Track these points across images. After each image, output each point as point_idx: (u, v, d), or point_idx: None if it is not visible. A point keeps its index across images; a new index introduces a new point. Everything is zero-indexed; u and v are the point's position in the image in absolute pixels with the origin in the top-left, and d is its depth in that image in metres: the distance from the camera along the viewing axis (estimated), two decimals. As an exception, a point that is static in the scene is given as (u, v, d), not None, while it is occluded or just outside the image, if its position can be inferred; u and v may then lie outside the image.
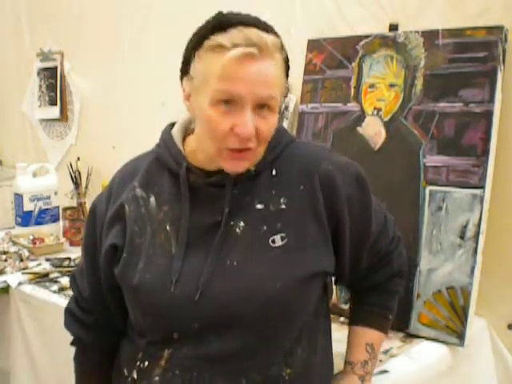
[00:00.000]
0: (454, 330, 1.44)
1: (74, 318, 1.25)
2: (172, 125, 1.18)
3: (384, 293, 1.24)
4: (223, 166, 1.05)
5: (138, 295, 1.10)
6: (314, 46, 1.81)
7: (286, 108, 1.94)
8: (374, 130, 1.64)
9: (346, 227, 1.13)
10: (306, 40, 1.83)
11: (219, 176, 1.08)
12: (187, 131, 1.16)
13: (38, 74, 2.97)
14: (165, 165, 1.13)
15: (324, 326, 1.18)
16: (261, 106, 1.02)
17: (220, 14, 1.04)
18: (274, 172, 1.11)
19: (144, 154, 1.20)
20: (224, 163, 1.04)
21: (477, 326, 1.54)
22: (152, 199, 1.13)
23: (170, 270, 1.07)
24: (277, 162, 1.12)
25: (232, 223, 1.08)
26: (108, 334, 1.23)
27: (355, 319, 1.26)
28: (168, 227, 1.10)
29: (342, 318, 1.60)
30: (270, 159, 1.11)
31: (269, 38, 1.03)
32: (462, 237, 1.46)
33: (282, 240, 1.07)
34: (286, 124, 1.94)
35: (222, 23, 1.01)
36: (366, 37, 1.69)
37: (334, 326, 1.56)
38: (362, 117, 1.67)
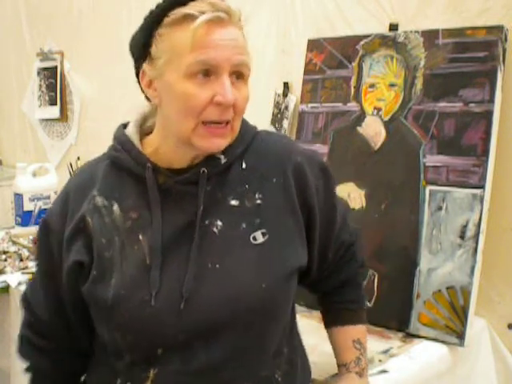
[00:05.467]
0: (454, 329, 1.44)
1: (31, 345, 1.13)
2: (124, 126, 1.10)
3: (354, 286, 1.22)
4: (199, 146, 0.98)
5: (113, 314, 1.00)
6: (314, 45, 1.81)
7: (286, 108, 1.94)
8: (374, 130, 1.64)
9: (317, 218, 1.11)
10: (306, 40, 1.83)
11: (191, 172, 1.02)
12: (143, 132, 1.08)
13: (38, 73, 2.97)
14: (125, 169, 1.04)
15: (296, 324, 1.17)
16: (235, 75, 0.98)
17: None
18: (243, 165, 1.06)
19: (95, 160, 1.11)
20: (201, 141, 0.98)
21: (477, 325, 1.54)
22: (115, 207, 1.03)
23: (147, 282, 0.99)
24: (246, 155, 1.07)
25: (207, 222, 1.02)
26: (70, 358, 1.13)
27: (334, 320, 1.23)
28: (141, 236, 1.01)
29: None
30: (239, 151, 1.06)
31: (231, 5, 0.98)
32: (462, 237, 1.46)
33: (263, 236, 1.03)
34: (285, 124, 1.94)
35: None
36: (366, 37, 1.69)
37: (333, 326, 1.56)
38: (362, 117, 1.67)
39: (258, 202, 1.05)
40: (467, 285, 1.44)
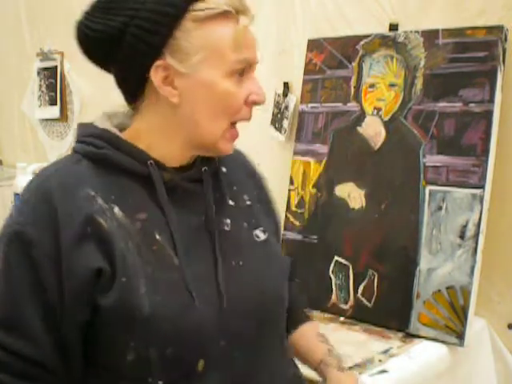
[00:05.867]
0: (454, 329, 1.44)
1: None
2: (86, 126, 1.00)
3: (297, 285, 1.22)
4: (223, 149, 0.96)
5: (152, 326, 0.87)
6: (314, 45, 1.81)
7: (286, 108, 1.94)
8: (374, 130, 1.64)
9: (278, 225, 1.13)
10: (306, 40, 1.83)
11: (194, 170, 0.99)
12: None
13: (38, 73, 2.97)
14: (118, 167, 0.94)
15: None
16: None
17: None
18: (223, 169, 1.05)
19: (66, 162, 0.96)
20: (224, 144, 0.96)
21: (477, 325, 1.54)
22: (116, 209, 0.92)
23: (184, 284, 0.91)
24: (222, 160, 1.05)
25: (217, 220, 0.99)
26: None
27: (291, 324, 1.16)
28: (158, 236, 0.93)
29: (341, 318, 1.60)
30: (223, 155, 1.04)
31: None
32: (461, 237, 1.46)
33: (264, 234, 1.03)
34: (285, 124, 1.94)
35: None
36: (366, 37, 1.69)
37: (333, 326, 1.57)
38: (361, 117, 1.67)
39: (248, 203, 1.05)
40: (467, 285, 1.44)
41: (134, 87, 0.97)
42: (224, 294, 0.93)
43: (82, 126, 1.01)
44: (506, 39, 1.48)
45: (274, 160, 2.00)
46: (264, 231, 1.03)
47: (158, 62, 0.91)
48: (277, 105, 1.97)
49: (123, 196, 0.93)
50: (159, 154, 0.96)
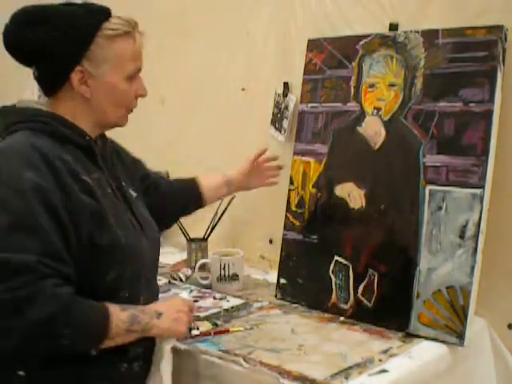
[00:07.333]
0: (454, 329, 1.44)
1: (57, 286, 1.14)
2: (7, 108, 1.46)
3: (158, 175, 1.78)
4: (121, 124, 1.36)
5: (126, 252, 1.28)
6: (313, 45, 1.81)
7: (286, 107, 1.94)
8: (373, 130, 1.64)
9: (140, 180, 1.63)
10: (306, 40, 1.83)
11: (100, 142, 1.37)
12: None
13: (38, 73, 2.97)
14: (68, 139, 1.26)
15: None
16: None
17: (74, 4, 1.28)
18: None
19: (29, 137, 1.23)
20: (123, 121, 1.36)
21: (477, 325, 1.54)
22: (81, 170, 1.25)
23: (131, 222, 1.33)
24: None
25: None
26: None
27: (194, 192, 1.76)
28: (109, 190, 1.30)
29: (341, 318, 1.60)
30: None
31: None
32: (461, 236, 1.46)
33: (135, 192, 1.45)
34: (285, 124, 1.94)
35: (103, 12, 1.27)
36: (366, 36, 1.69)
37: (334, 326, 1.57)
38: (361, 116, 1.67)
39: (122, 166, 1.46)
40: (467, 284, 1.44)
41: (56, 84, 1.28)
42: (145, 230, 1.36)
43: (20, 108, 1.43)
44: (505, 39, 1.48)
45: (274, 160, 2.00)
46: (134, 190, 1.44)
47: (78, 68, 1.24)
48: (277, 105, 1.97)
49: (78, 161, 1.26)
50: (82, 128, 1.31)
